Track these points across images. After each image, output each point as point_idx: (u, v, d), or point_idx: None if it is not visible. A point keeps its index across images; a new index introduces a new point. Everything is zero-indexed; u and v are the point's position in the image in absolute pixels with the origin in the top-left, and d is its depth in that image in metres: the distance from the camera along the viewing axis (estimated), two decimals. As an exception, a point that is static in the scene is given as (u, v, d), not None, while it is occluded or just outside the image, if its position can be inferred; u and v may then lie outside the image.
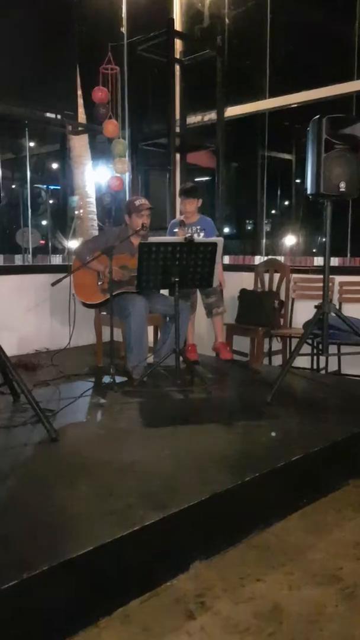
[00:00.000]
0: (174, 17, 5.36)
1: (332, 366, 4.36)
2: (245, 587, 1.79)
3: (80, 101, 4.96)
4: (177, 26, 5.33)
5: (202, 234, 4.11)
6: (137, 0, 5.29)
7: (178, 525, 1.85)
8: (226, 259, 5.25)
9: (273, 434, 3.09)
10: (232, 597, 1.74)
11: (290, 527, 2.18)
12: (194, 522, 1.91)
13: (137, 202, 3.77)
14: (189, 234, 3.94)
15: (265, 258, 5.13)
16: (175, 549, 1.88)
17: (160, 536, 1.80)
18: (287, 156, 6.55)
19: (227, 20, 5.39)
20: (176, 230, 4.08)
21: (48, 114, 4.54)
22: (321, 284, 3.25)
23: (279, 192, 6.83)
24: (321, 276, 3.25)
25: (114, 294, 3.46)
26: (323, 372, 4.30)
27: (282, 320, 4.58)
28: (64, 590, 1.57)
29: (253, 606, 1.70)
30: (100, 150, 5.40)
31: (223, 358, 4.23)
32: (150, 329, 4.12)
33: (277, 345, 4.68)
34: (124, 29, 5.19)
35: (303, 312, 4.39)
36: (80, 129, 5.01)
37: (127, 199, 5.10)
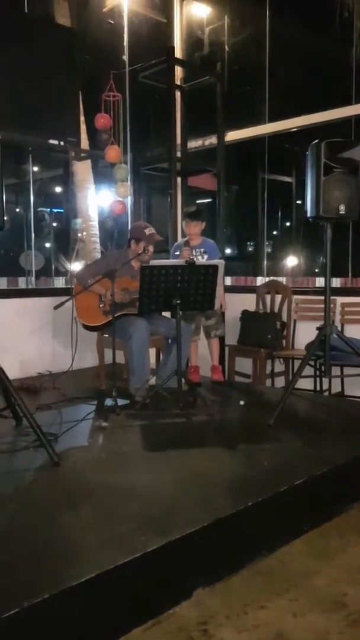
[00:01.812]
0: (175, 45, 5.47)
1: (336, 387, 4.34)
2: (249, 615, 1.76)
3: (83, 127, 5.05)
4: (178, 54, 5.44)
5: (205, 257, 4.14)
6: (139, 30, 5.42)
7: (180, 551, 1.83)
8: (228, 280, 5.28)
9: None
10: (235, 625, 1.71)
11: (294, 552, 2.16)
12: (196, 548, 1.89)
13: (148, 232, 3.80)
14: (193, 256, 3.97)
15: (267, 279, 5.15)
16: (178, 576, 1.86)
17: (162, 562, 1.78)
18: (287, 179, 6.63)
19: (226, 48, 5.50)
20: (178, 253, 4.11)
21: (51, 141, 4.61)
22: (323, 305, 3.26)
23: (279, 214, 6.91)
24: (322, 297, 3.26)
25: (115, 315, 3.48)
26: (326, 393, 4.28)
27: (284, 342, 4.58)
28: (65, 618, 1.56)
29: (257, 634, 1.68)
30: (103, 174, 5.48)
31: (214, 379, 4.21)
32: (153, 351, 4.13)
33: (279, 366, 4.67)
34: (125, 57, 5.30)
35: (305, 333, 4.39)
36: (83, 154, 5.09)
37: (131, 222, 5.16)
